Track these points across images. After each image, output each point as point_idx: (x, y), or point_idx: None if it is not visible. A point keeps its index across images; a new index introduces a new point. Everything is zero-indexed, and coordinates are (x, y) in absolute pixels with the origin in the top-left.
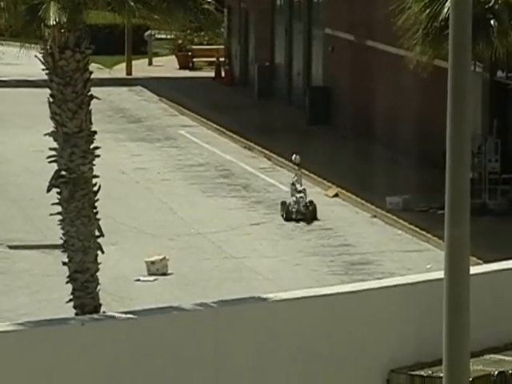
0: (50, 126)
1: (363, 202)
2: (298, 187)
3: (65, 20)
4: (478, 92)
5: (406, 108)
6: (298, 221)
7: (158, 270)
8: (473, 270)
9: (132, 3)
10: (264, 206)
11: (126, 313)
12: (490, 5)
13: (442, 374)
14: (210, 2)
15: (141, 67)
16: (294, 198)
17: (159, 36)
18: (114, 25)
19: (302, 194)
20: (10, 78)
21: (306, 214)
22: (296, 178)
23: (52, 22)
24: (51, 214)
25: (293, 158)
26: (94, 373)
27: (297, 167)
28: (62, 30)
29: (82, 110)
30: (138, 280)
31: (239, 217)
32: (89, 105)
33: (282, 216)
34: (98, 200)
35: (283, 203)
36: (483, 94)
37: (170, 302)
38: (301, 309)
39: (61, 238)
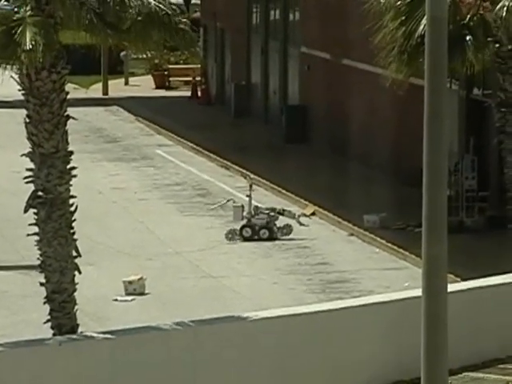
0: (27, 147)
1: (340, 220)
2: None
3: (41, 44)
4: (454, 109)
5: (382, 126)
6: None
7: (135, 289)
8: (450, 287)
9: (106, 29)
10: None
11: (103, 333)
12: (466, 21)
13: None
14: (185, 22)
15: (117, 87)
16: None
17: (135, 56)
18: (90, 45)
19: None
20: None
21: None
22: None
23: (28, 47)
24: (28, 235)
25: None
26: None
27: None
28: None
29: (58, 130)
30: (116, 300)
31: (217, 236)
32: (65, 125)
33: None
34: (75, 220)
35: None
36: (460, 111)
37: (148, 322)
38: (279, 327)
39: (38, 259)
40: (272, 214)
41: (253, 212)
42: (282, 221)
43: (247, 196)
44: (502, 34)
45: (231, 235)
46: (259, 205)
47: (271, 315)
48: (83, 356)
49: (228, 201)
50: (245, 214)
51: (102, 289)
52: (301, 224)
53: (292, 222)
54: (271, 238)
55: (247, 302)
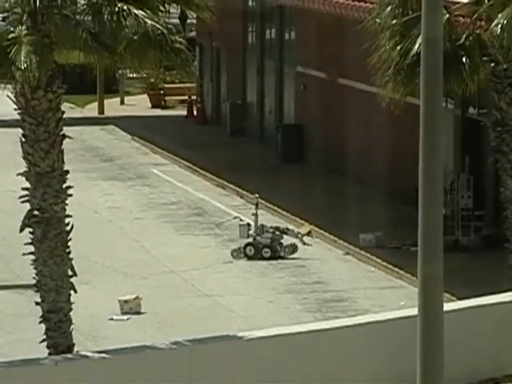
0: (23, 166)
1: (336, 239)
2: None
3: (35, 63)
4: (449, 129)
5: (378, 145)
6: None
7: (131, 308)
8: (446, 306)
9: (101, 49)
10: (237, 243)
11: (99, 352)
12: (461, 41)
13: None
14: (181, 42)
15: (113, 106)
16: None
17: (131, 75)
18: (86, 64)
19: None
20: None
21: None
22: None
23: (23, 66)
24: (24, 254)
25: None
26: None
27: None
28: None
29: (54, 149)
30: (112, 319)
31: (212, 255)
32: (61, 144)
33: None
34: (70, 239)
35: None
36: (455, 130)
37: (144, 341)
38: (274, 346)
39: (34, 278)
40: (277, 232)
41: (258, 230)
42: (287, 240)
43: (253, 214)
44: (497, 53)
45: (236, 253)
46: (264, 223)
47: (267, 334)
48: (79, 375)
49: (234, 218)
50: (251, 232)
51: (97, 308)
52: (304, 243)
53: (296, 241)
54: (274, 257)
55: (243, 321)
